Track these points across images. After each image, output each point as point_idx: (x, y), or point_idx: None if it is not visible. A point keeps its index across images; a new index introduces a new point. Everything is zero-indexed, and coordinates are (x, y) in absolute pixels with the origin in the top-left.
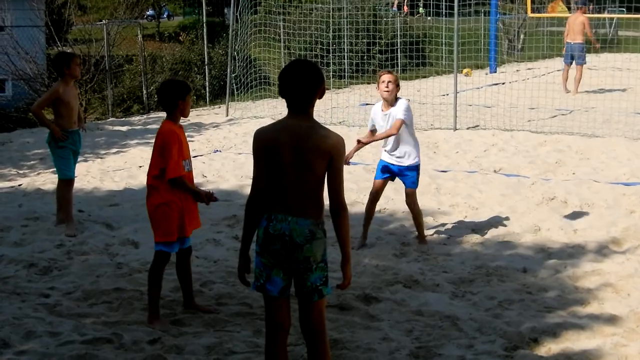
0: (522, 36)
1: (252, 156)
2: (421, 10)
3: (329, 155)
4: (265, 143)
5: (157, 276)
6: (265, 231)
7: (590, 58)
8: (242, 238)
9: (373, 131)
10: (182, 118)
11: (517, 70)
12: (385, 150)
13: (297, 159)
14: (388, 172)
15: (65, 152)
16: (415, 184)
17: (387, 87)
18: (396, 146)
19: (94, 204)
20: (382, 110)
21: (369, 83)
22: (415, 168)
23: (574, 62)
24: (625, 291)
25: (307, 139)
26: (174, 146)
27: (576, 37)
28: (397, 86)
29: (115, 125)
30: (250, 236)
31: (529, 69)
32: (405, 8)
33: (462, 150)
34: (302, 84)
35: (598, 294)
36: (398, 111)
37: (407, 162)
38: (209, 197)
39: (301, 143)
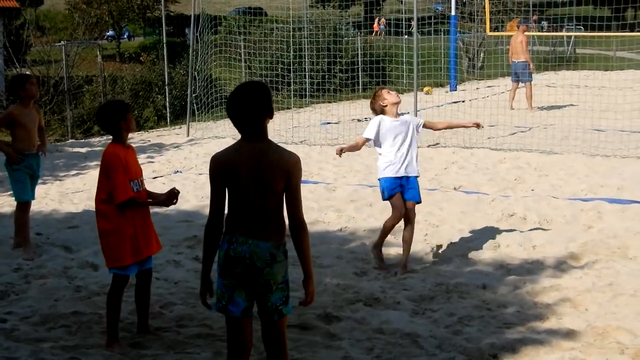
0: (481, 54)
1: None
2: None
3: (286, 174)
4: (222, 165)
5: (115, 299)
6: (226, 254)
7: (548, 75)
8: (202, 261)
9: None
10: (133, 135)
11: (477, 88)
12: (398, 163)
13: (255, 181)
14: (399, 187)
15: (20, 175)
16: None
17: (393, 92)
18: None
19: (53, 226)
20: (394, 120)
21: (330, 102)
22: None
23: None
24: (583, 306)
25: (263, 159)
26: (118, 169)
27: (519, 56)
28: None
29: (75, 146)
30: (211, 259)
31: (488, 86)
32: (376, 27)
33: (423, 168)
34: (248, 111)
35: (556, 309)
36: (412, 117)
37: (414, 171)
38: (171, 196)
39: (258, 164)
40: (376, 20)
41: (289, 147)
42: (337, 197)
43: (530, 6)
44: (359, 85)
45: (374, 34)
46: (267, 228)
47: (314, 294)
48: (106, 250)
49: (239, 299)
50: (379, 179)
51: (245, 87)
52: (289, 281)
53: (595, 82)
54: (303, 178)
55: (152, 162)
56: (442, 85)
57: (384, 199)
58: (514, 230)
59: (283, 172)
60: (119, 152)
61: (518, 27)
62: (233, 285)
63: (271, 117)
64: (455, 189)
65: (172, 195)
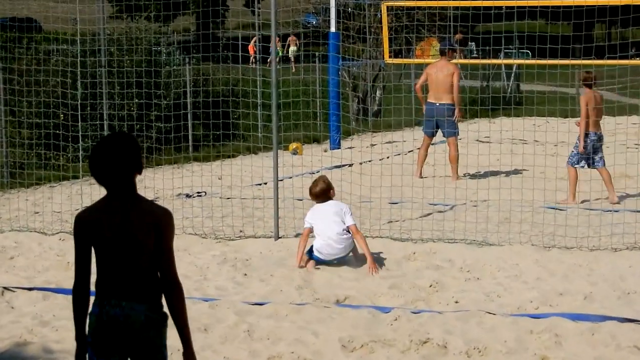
0: (378, 93)
1: None
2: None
3: (156, 229)
4: (88, 225)
5: None
6: (98, 319)
7: (479, 125)
8: (75, 324)
9: None
10: None
11: (372, 145)
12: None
13: (123, 239)
14: None
15: None
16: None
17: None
18: None
19: None
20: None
21: (143, 167)
22: None
23: (439, 133)
24: None
25: (131, 215)
26: None
27: (442, 95)
28: None
29: None
30: (83, 320)
31: (388, 142)
32: (252, 49)
33: (288, 270)
34: (116, 167)
35: None
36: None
37: None
38: None
39: (126, 220)
40: (252, 40)
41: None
42: None
43: (451, 20)
44: (188, 141)
45: (250, 61)
46: (140, 289)
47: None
48: None
49: None
50: None
51: (111, 140)
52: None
53: (550, 135)
54: None
55: None
56: (317, 141)
57: None
58: None
59: (151, 228)
60: None
61: (444, 53)
62: (107, 354)
63: (140, 173)
64: (338, 302)
65: None
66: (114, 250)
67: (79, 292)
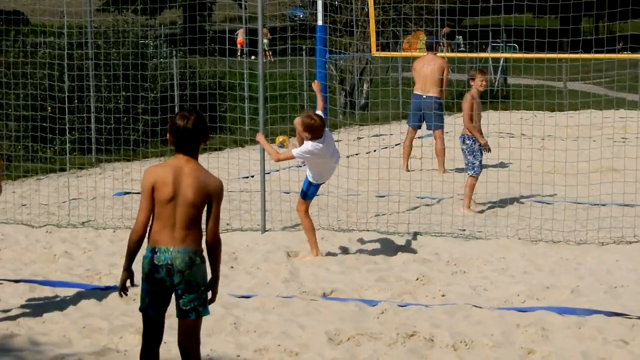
0: (365, 86)
1: None
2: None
3: (208, 196)
4: (155, 179)
5: None
6: (150, 262)
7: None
8: (127, 258)
9: None
10: None
11: (359, 138)
12: None
13: (181, 195)
14: None
15: None
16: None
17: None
18: None
19: None
20: None
21: (129, 159)
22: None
23: (424, 126)
24: None
25: (190, 178)
26: None
27: (429, 88)
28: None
29: None
30: (134, 257)
31: (375, 135)
32: (240, 41)
33: (275, 264)
34: (197, 137)
35: None
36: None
37: None
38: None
39: (185, 182)
40: (239, 32)
41: (62, 235)
42: (138, 312)
43: (438, 13)
44: None
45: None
46: (187, 237)
47: (217, 293)
48: None
49: (156, 304)
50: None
51: (197, 114)
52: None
53: (537, 129)
54: (86, 281)
55: None
56: None
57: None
58: (415, 359)
59: (205, 194)
60: None
61: (431, 47)
62: (155, 291)
63: (206, 140)
64: (325, 295)
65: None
66: (172, 204)
67: (139, 235)
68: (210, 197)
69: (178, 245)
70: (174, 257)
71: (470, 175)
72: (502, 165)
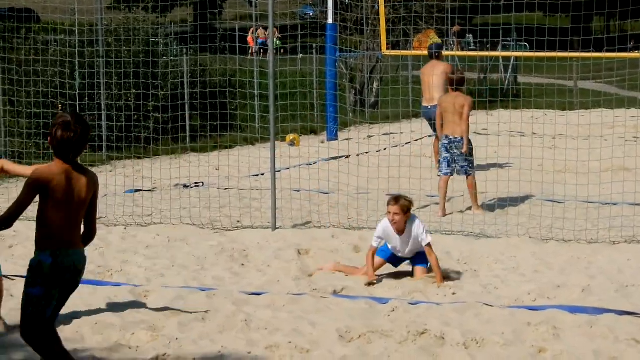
0: (375, 84)
1: None
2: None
3: (92, 192)
4: (44, 182)
5: None
6: (53, 266)
7: (477, 117)
8: None
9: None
10: None
11: (369, 137)
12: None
13: (75, 197)
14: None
15: None
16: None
17: (393, 219)
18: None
19: None
20: (397, 234)
21: (140, 157)
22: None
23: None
24: None
25: (80, 179)
26: None
27: (434, 96)
28: (406, 212)
29: None
30: None
31: (385, 134)
32: (250, 40)
33: (285, 261)
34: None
35: None
36: (420, 233)
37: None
38: None
39: (76, 183)
40: (250, 31)
41: None
42: (151, 308)
43: (448, 12)
44: (185, 132)
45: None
46: (78, 237)
47: None
48: None
49: (54, 302)
50: None
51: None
52: None
53: (548, 127)
54: (97, 277)
55: None
56: (314, 132)
57: None
58: (426, 357)
59: (90, 191)
60: None
61: (434, 55)
62: (55, 292)
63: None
64: (335, 292)
65: None
66: (66, 206)
67: (12, 224)
68: (93, 192)
69: (75, 247)
70: (76, 260)
71: (472, 175)
72: (512, 164)
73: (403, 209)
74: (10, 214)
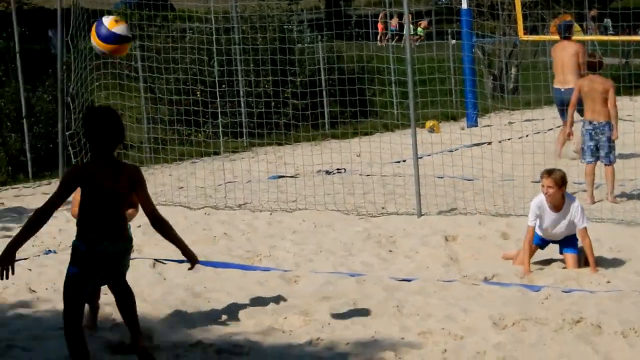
0: (513, 70)
1: None
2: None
3: (131, 184)
4: (82, 177)
5: None
6: (86, 253)
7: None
8: (21, 237)
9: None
10: None
11: (510, 123)
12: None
13: (107, 191)
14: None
15: None
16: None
17: (546, 191)
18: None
19: None
20: (551, 211)
21: (280, 144)
22: None
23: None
24: None
25: (114, 174)
26: None
27: (567, 78)
28: (561, 186)
29: None
30: (29, 238)
31: (527, 120)
32: (380, 26)
33: (433, 248)
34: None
35: None
36: (578, 215)
37: None
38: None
39: (110, 178)
40: (380, 15)
41: (220, 217)
42: (301, 293)
43: None
44: (323, 118)
45: (379, 38)
46: (122, 229)
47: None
48: None
49: (90, 283)
50: None
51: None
52: None
53: None
54: (247, 262)
55: (8, 235)
56: (454, 119)
57: None
58: (583, 345)
59: (128, 183)
60: None
61: (565, 36)
62: (92, 274)
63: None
64: (486, 279)
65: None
66: (107, 200)
67: (45, 218)
68: (137, 184)
69: (118, 240)
70: (115, 250)
71: (614, 163)
72: None
73: (557, 181)
74: (47, 206)
